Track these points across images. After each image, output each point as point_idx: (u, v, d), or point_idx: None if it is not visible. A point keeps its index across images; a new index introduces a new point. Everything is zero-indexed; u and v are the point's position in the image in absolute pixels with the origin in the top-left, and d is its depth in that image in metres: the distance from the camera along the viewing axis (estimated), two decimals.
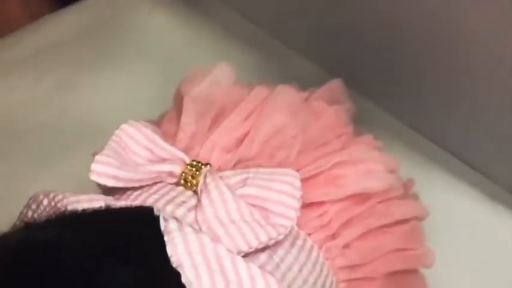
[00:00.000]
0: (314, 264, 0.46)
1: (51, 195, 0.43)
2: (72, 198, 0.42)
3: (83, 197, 0.43)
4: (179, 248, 0.39)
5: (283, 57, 0.73)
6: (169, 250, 0.39)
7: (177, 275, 0.38)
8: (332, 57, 0.69)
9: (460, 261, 0.63)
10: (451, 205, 0.65)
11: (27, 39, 0.78)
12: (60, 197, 0.43)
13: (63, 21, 0.79)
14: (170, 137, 0.50)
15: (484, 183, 0.66)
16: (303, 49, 0.72)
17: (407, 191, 0.55)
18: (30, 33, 0.78)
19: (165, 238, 0.39)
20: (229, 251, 0.40)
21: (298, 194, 0.45)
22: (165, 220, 0.40)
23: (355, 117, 0.57)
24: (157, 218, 0.40)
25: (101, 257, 0.38)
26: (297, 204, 0.45)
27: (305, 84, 0.56)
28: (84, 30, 0.78)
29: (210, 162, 0.48)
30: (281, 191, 0.45)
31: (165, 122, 0.52)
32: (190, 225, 0.40)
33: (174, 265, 0.38)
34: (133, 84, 0.74)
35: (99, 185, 0.47)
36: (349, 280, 0.49)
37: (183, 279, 0.38)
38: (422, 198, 0.57)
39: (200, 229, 0.42)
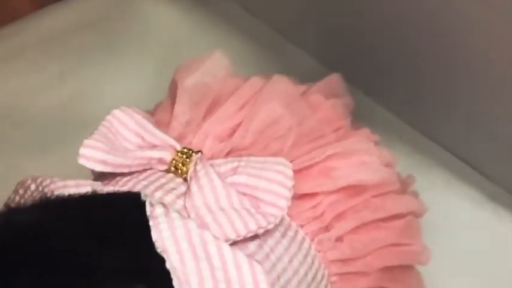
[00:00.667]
0: (305, 256, 0.46)
1: (38, 180, 0.43)
2: (60, 183, 0.42)
3: (70, 182, 0.42)
4: (164, 234, 0.38)
5: (284, 52, 0.73)
6: (154, 235, 0.38)
7: (161, 260, 0.38)
8: (332, 53, 0.69)
9: (459, 261, 0.62)
10: (451, 205, 0.65)
11: (31, 28, 0.78)
12: (47, 181, 0.42)
13: (68, 10, 0.79)
14: (164, 126, 0.49)
15: (484, 184, 0.65)
16: (304, 44, 0.72)
17: (406, 188, 0.55)
18: (33, 22, 0.78)
19: (150, 223, 0.38)
20: (216, 238, 0.39)
21: (289, 183, 0.45)
22: (152, 205, 0.39)
23: (354, 113, 0.56)
24: (143, 204, 0.39)
25: (84, 241, 0.37)
26: (288, 193, 0.44)
27: (305, 79, 0.56)
28: (88, 21, 0.78)
29: (202, 150, 0.47)
30: (272, 180, 0.44)
31: (159, 111, 0.52)
32: (177, 212, 0.40)
33: (158, 250, 0.38)
34: (136, 75, 0.74)
35: (93, 172, 0.47)
36: (341, 274, 0.48)
37: (167, 265, 0.37)
38: (422, 198, 0.56)
39: (188, 216, 0.42)
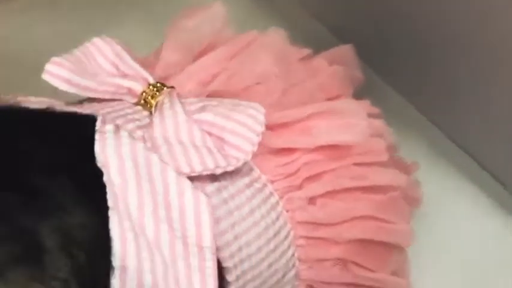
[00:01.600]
0: (269, 211, 0.43)
1: (8, 97, 0.42)
2: (21, 98, 0.41)
3: (32, 99, 0.41)
4: (109, 149, 0.37)
5: (296, 22, 0.70)
6: (97, 148, 0.37)
7: (99, 173, 0.36)
8: (345, 27, 0.67)
9: (466, 271, 0.59)
10: (454, 202, 0.61)
11: None
12: (9, 96, 0.41)
13: None
14: (150, 67, 0.48)
15: (496, 189, 0.62)
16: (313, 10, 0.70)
17: (408, 173, 0.52)
18: None
19: (96, 137, 0.37)
20: (162, 162, 0.37)
21: (259, 128, 0.42)
22: (103, 122, 0.38)
23: (363, 90, 0.54)
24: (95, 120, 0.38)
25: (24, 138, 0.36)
26: (256, 138, 0.42)
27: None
28: None
29: (183, 93, 0.45)
30: (240, 122, 0.42)
31: (149, 57, 0.50)
32: (128, 132, 0.38)
33: (98, 164, 0.36)
34: (139, 44, 0.72)
35: None
36: (309, 237, 0.45)
37: (105, 178, 0.36)
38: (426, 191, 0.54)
39: None
